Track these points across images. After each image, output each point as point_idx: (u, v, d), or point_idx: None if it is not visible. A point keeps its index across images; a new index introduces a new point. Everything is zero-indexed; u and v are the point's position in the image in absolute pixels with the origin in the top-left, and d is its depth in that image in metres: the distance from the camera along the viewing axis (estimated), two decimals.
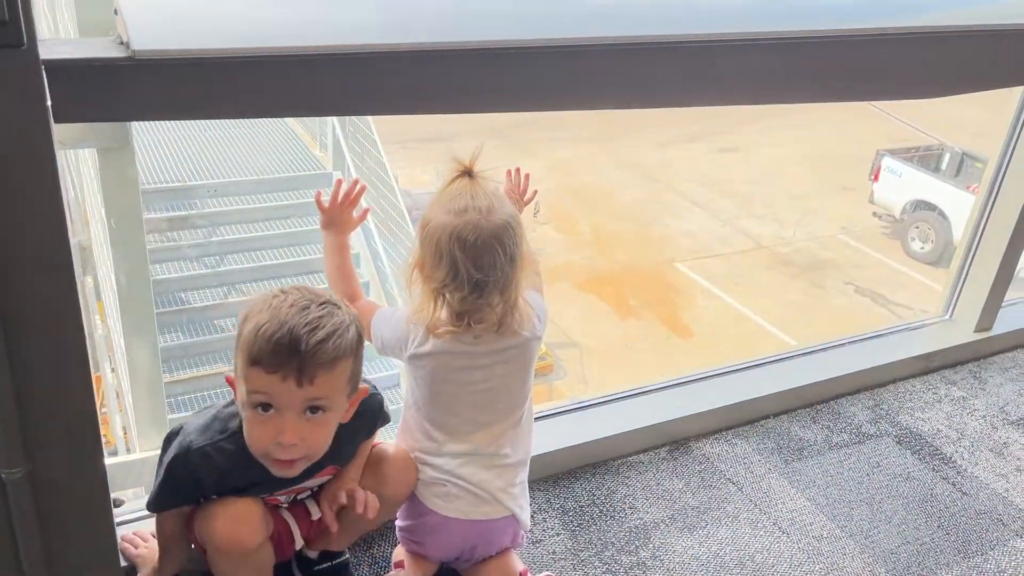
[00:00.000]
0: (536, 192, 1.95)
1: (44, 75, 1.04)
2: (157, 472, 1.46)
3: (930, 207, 15.31)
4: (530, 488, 1.82)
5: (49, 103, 1.05)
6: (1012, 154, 2.65)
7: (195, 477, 1.42)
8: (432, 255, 1.54)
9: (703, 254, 15.50)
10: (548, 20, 1.56)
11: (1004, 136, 2.68)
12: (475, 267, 1.51)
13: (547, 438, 2.20)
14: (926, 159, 16.26)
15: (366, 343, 1.51)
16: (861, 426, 2.52)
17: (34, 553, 1.34)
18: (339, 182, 1.72)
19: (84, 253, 5.97)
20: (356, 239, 8.42)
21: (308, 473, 1.48)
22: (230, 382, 1.43)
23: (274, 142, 10.18)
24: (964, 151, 15.65)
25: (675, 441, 2.38)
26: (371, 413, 1.60)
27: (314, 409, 1.37)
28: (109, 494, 1.41)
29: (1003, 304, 2.95)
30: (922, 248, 15.25)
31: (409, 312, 1.62)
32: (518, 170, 1.93)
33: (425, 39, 1.32)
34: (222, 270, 8.01)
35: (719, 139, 18.77)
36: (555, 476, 2.20)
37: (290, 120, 10.33)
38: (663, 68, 1.59)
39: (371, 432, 1.64)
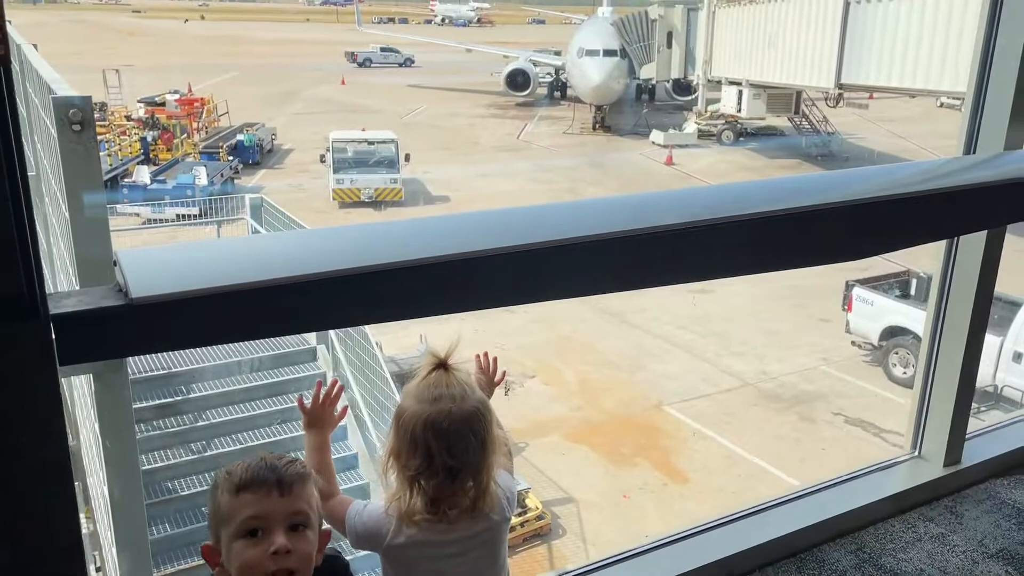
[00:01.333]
0: (504, 373, 2.08)
1: (53, 334, 1.19)
2: None
3: (905, 332, 15.62)
4: None
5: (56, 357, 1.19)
6: (948, 295, 2.85)
7: None
8: (407, 443, 1.64)
9: (690, 396, 15.54)
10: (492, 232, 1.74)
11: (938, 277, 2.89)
12: (448, 453, 1.61)
13: None
14: (893, 286, 16.77)
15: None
16: (845, 572, 2.56)
17: None
18: (319, 384, 1.85)
19: (74, 458, 5.98)
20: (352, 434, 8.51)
21: None
22: (206, 552, 1.53)
23: None
24: (929, 275, 16.18)
25: None
26: (339, 569, 1.66)
27: (295, 526, 1.49)
28: None
29: (969, 435, 3.06)
30: (904, 373, 15.42)
31: (384, 503, 1.70)
32: (486, 354, 2.07)
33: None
34: (208, 455, 7.99)
35: (691, 283, 19.30)
36: None
37: None
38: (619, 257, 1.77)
39: None
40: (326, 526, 1.60)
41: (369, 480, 7.73)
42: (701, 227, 1.82)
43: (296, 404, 8.58)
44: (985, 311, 2.87)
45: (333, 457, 1.85)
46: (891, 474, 2.98)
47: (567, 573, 2.44)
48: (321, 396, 1.83)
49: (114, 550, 1.93)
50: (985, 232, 2.72)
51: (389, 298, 1.45)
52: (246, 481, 1.49)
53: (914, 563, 2.61)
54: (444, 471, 1.62)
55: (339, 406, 1.88)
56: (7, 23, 1.10)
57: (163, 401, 8.46)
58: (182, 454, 8.14)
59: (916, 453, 3.05)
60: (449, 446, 1.61)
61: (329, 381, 1.88)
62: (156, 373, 8.73)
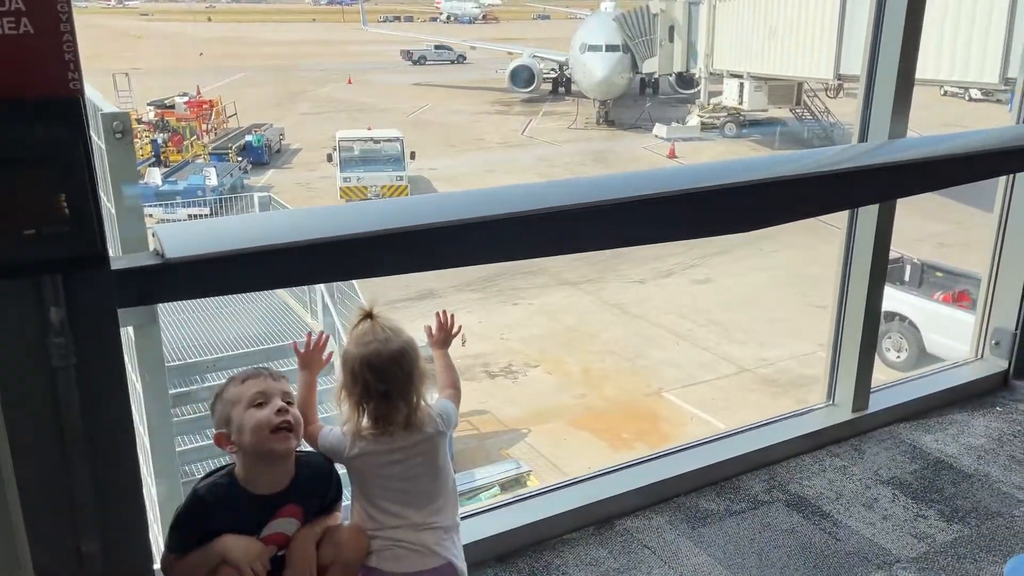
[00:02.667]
0: (460, 327, 2.57)
1: (114, 279, 1.69)
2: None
3: (899, 318, 15.97)
4: (480, 568, 2.34)
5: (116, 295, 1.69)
6: (851, 263, 3.33)
7: (202, 510, 1.99)
8: (350, 378, 2.13)
9: (690, 382, 15.91)
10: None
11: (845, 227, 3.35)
12: (380, 381, 2.10)
13: (492, 524, 2.73)
14: (889, 273, 17.14)
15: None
16: (757, 496, 3.05)
17: None
18: (309, 335, 2.35)
19: None
20: None
21: (278, 505, 2.04)
22: (218, 439, 2.03)
23: (268, 314, 10.95)
24: (924, 262, 16.55)
25: (601, 520, 2.90)
26: (322, 463, 2.16)
27: (287, 402, 2.03)
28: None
29: (876, 387, 3.55)
30: (898, 357, 15.79)
31: (341, 427, 2.20)
32: (444, 312, 2.56)
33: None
34: None
35: (691, 273, 19.74)
36: (503, 554, 2.71)
37: (281, 293, 11.12)
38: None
39: (326, 498, 2.17)
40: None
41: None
42: (656, 199, 2.35)
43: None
44: (880, 276, 3.35)
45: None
46: (807, 418, 3.47)
47: (519, 499, 2.94)
48: (312, 344, 2.33)
49: (151, 466, 2.45)
50: (877, 206, 3.20)
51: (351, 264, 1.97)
52: (248, 374, 2.06)
53: (816, 488, 3.10)
54: (378, 395, 2.10)
55: (325, 354, 2.38)
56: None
57: (180, 390, 8.98)
58: (198, 440, 8.67)
59: (830, 401, 3.53)
60: (380, 376, 2.09)
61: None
62: (174, 364, 9.28)
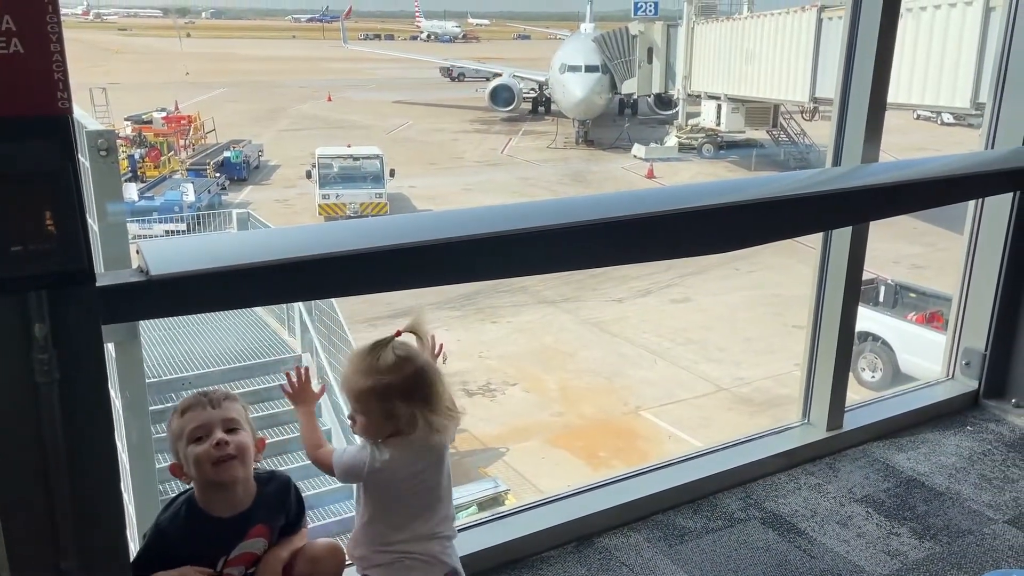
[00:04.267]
0: (442, 346, 2.60)
1: (98, 296, 1.70)
2: None
3: (873, 338, 16.16)
4: None
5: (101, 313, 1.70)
6: (825, 284, 3.39)
7: (163, 544, 2.00)
8: (378, 412, 2.11)
9: (667, 400, 15.99)
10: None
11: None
12: (404, 401, 2.10)
13: (474, 541, 2.74)
14: (863, 293, 17.35)
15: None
16: (733, 513, 3.09)
17: None
18: (288, 373, 2.34)
19: None
20: (328, 416, 9.04)
21: (243, 528, 2.05)
22: (173, 470, 2.03)
23: (246, 332, 10.90)
24: (898, 283, 16.80)
25: (580, 537, 2.92)
26: (283, 484, 2.17)
27: (230, 429, 2.02)
28: None
29: (851, 406, 3.60)
30: (873, 377, 15.97)
31: (366, 443, 2.20)
32: (433, 337, 2.58)
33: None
34: None
35: (669, 292, 19.89)
36: (481, 572, 2.72)
37: (260, 310, 11.07)
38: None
39: (289, 513, 2.17)
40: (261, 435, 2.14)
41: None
42: (630, 221, 2.39)
43: (278, 408, 9.11)
44: (854, 297, 3.41)
45: None
46: (782, 437, 3.51)
47: (497, 517, 2.96)
48: (297, 380, 2.32)
49: (130, 484, 2.44)
50: (851, 228, 3.27)
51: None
52: (186, 406, 2.06)
53: (791, 506, 3.14)
54: (420, 400, 2.10)
55: (316, 386, 2.39)
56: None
57: (156, 407, 8.90)
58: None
59: (806, 420, 3.58)
60: (404, 394, 2.10)
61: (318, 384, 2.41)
62: (150, 380, 9.20)
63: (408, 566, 2.17)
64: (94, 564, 1.82)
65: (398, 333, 2.27)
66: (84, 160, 2.19)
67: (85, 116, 2.44)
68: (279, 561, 2.14)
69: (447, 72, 56.08)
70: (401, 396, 2.12)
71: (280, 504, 2.17)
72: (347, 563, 2.24)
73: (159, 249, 1.93)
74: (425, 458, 2.19)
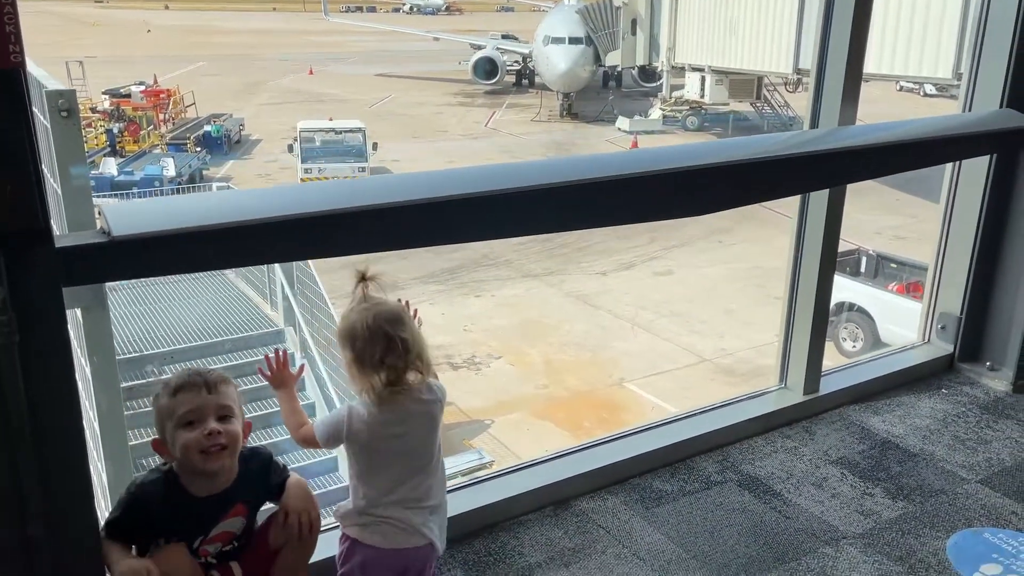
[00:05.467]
0: (417, 311, 2.58)
1: (58, 257, 1.66)
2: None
3: (855, 308, 16.27)
4: None
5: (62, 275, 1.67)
6: (802, 248, 3.39)
7: (142, 503, 1.97)
8: (366, 339, 2.11)
9: (651, 372, 16.08)
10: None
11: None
12: (398, 329, 2.11)
13: (453, 504, 2.73)
14: (844, 264, 17.46)
15: None
16: (710, 476, 3.10)
17: None
18: (267, 357, 2.31)
19: None
20: (312, 391, 9.02)
21: (222, 508, 2.03)
22: (156, 446, 2.00)
23: (226, 305, 10.82)
24: (879, 253, 16.89)
25: (558, 501, 2.92)
26: (264, 457, 2.16)
27: (223, 417, 1.98)
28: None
29: (827, 371, 3.62)
30: (854, 347, 16.09)
31: (345, 404, 2.19)
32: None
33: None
34: None
35: (653, 265, 19.92)
36: (460, 536, 2.72)
37: (241, 283, 10.99)
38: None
39: (271, 485, 2.15)
40: (247, 420, 2.10)
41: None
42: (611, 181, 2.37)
43: (261, 382, 9.10)
44: (831, 261, 3.42)
45: None
46: (760, 401, 3.53)
47: (475, 481, 2.96)
48: (275, 364, 2.30)
49: (101, 456, 2.41)
50: (827, 193, 3.27)
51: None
52: (180, 385, 1.99)
53: (767, 469, 3.16)
54: (400, 342, 2.10)
55: (296, 368, 2.36)
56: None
57: (132, 383, 8.83)
58: (151, 434, 8.55)
59: (783, 385, 3.59)
60: (396, 326, 2.12)
61: (297, 363, 2.38)
62: (126, 356, 9.13)
63: (383, 531, 2.18)
64: (61, 529, 1.80)
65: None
66: (45, 121, 2.14)
67: (46, 76, 2.38)
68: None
69: (477, 48, 52.52)
70: (388, 323, 2.13)
71: (261, 481, 2.15)
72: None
73: (122, 210, 1.89)
74: (406, 422, 2.18)
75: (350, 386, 2.21)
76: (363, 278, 2.18)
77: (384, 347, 2.12)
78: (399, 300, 2.56)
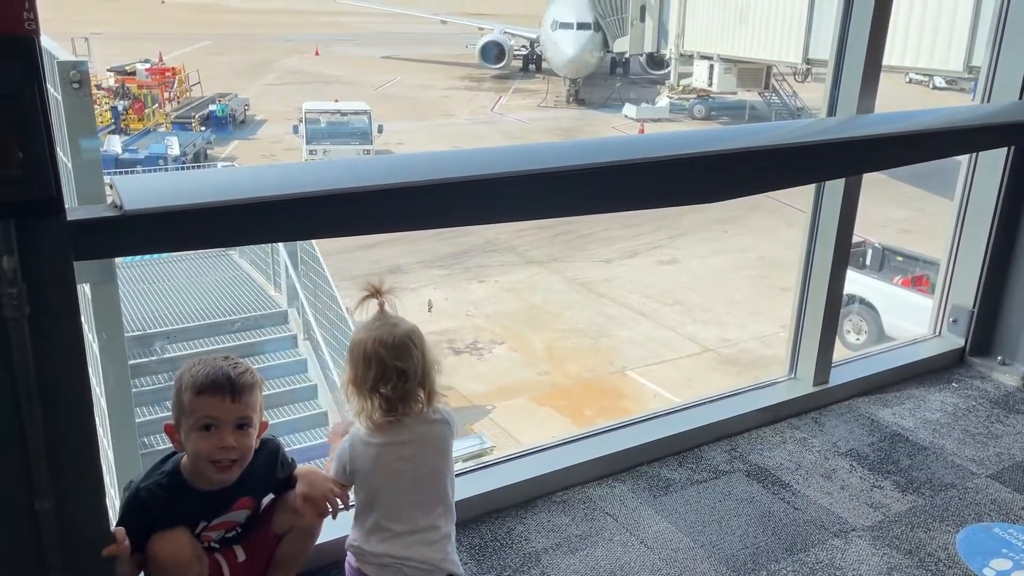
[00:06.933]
0: (431, 302, 2.56)
1: (69, 230, 1.63)
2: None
3: (859, 301, 16.22)
4: None
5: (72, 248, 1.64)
6: (816, 237, 3.35)
7: (141, 509, 1.94)
8: (363, 364, 2.05)
9: (653, 361, 16.06)
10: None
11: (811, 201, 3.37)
12: (396, 359, 2.03)
13: (459, 490, 2.71)
14: (851, 256, 17.38)
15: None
16: (718, 466, 3.09)
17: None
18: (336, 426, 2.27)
19: None
20: (314, 372, 9.02)
21: (227, 502, 2.01)
22: (168, 430, 1.97)
23: (230, 285, 10.80)
24: (885, 246, 16.82)
25: (565, 487, 2.91)
26: (272, 449, 2.11)
27: (242, 425, 1.94)
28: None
29: (837, 362, 3.59)
30: (857, 339, 16.05)
31: (352, 421, 2.13)
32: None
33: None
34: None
35: (657, 253, 19.87)
36: (465, 521, 2.70)
37: (244, 263, 10.97)
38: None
39: (277, 476, 2.12)
40: (264, 418, 2.06)
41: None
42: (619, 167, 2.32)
43: (264, 363, 9.08)
44: (845, 251, 3.39)
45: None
46: (769, 391, 3.51)
47: (482, 467, 2.94)
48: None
49: (108, 430, 2.40)
50: (843, 184, 3.23)
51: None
52: (206, 385, 1.93)
53: (776, 459, 3.14)
54: (396, 373, 2.03)
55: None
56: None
57: (138, 361, 8.82)
58: (157, 411, 8.55)
59: (792, 375, 3.57)
60: (396, 354, 2.03)
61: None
62: (132, 334, 9.11)
63: (406, 574, 2.10)
64: (69, 503, 1.78)
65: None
66: (56, 92, 2.11)
67: (57, 47, 2.35)
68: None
69: None
70: (387, 350, 2.06)
71: (268, 475, 2.12)
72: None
73: (134, 184, 1.86)
74: (421, 440, 2.10)
75: (347, 405, 2.16)
76: (376, 292, 2.10)
77: (378, 375, 2.04)
78: (427, 301, 2.51)
